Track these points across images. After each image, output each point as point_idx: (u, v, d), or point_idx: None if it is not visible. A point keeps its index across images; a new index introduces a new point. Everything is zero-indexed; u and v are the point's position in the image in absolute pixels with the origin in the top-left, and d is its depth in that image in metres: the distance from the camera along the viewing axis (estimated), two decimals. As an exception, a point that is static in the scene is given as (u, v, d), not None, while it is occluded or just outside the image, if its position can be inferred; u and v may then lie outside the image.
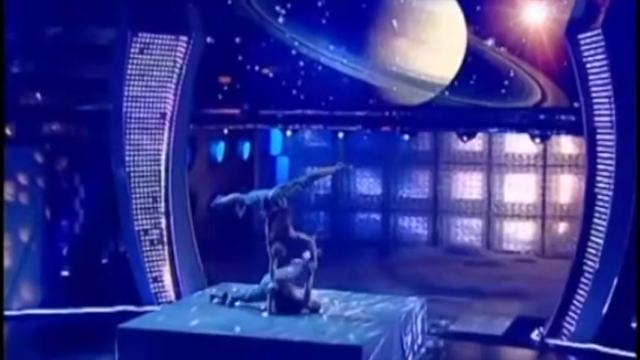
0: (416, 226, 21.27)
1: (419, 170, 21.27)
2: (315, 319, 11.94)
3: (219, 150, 20.23)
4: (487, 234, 20.93)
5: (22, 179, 16.04)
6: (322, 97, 17.08)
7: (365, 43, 16.75)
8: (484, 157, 20.96)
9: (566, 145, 20.39)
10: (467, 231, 21.03)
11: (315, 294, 12.96)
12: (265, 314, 12.08)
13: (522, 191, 20.90)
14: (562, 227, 20.62)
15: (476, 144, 20.78)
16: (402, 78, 16.81)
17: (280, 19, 16.81)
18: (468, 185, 21.10)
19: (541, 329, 14.21)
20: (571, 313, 13.97)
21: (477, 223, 21.04)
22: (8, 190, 15.86)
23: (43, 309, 15.79)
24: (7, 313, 15.34)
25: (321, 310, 12.29)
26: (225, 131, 18.67)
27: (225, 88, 17.34)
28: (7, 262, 15.86)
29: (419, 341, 12.90)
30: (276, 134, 20.68)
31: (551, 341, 13.97)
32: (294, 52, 16.94)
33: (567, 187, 20.60)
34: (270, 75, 17.18)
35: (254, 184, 20.20)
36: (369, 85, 17.01)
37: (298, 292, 12.11)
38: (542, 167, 20.74)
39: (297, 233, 12.29)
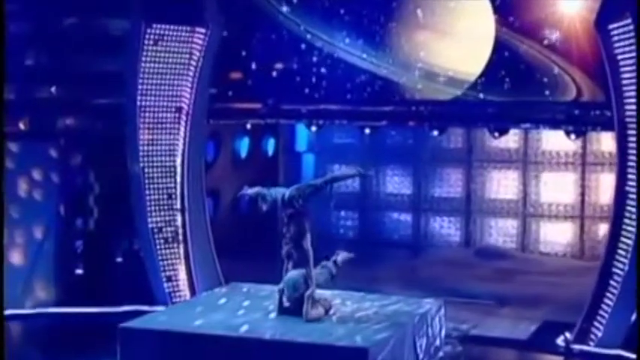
0: (448, 226, 21.09)
1: (451, 168, 21.06)
2: (324, 320, 11.88)
3: (244, 146, 20.26)
4: (522, 235, 20.65)
5: (36, 175, 16.25)
6: (344, 92, 16.94)
7: (386, 36, 16.59)
8: (520, 154, 20.68)
9: (607, 142, 19.96)
10: (501, 232, 20.80)
11: (327, 294, 12.95)
12: (273, 315, 12.05)
13: (560, 191, 20.57)
14: (602, 229, 20.18)
15: (511, 141, 20.52)
16: (427, 75, 16.59)
17: (297, 11, 16.74)
18: (503, 184, 20.85)
19: (567, 334, 14.03)
20: (599, 318, 13.80)
21: (511, 224, 20.78)
22: (22, 186, 16.10)
23: (56, 307, 16.01)
24: (20, 311, 15.64)
25: (332, 311, 12.22)
26: (248, 126, 18.64)
27: (243, 82, 17.28)
28: (20, 259, 16.11)
29: (436, 344, 12.78)
30: (301, 130, 20.61)
31: (577, 347, 13.79)
32: (312, 45, 16.83)
33: (608, 187, 20.07)
34: (286, 69, 17.09)
35: (279, 182, 20.18)
36: (392, 82, 16.83)
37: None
38: (581, 165, 20.38)
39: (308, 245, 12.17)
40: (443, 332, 13.15)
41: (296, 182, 20.02)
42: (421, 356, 12.18)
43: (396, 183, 21.34)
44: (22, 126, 16.14)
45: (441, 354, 12.97)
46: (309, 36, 16.79)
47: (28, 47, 15.87)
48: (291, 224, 12.00)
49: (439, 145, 20.65)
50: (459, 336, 14.09)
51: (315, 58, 16.79)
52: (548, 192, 20.64)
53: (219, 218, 20.10)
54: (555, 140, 20.16)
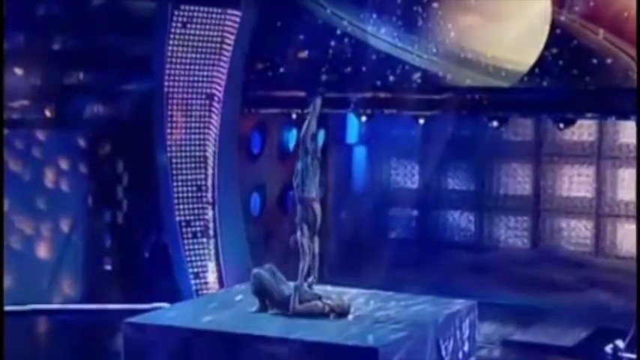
0: (514, 227, 21.00)
1: (518, 163, 20.90)
2: (340, 320, 12.14)
3: (292, 137, 20.48)
4: (596, 237, 20.40)
5: (64, 165, 16.88)
6: (392, 80, 17.07)
7: (430, 22, 16.62)
8: (594, 148, 20.42)
9: (693, 135, 19.66)
10: (573, 233, 20.63)
11: (352, 293, 13.24)
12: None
13: (639, 188, 20.31)
14: (687, 230, 19.90)
15: (585, 133, 20.34)
16: (477, 66, 16.57)
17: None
18: (576, 181, 20.66)
19: (618, 342, 13.99)
20: (654, 324, 13.70)
21: (585, 225, 20.59)
22: (49, 177, 16.78)
23: (82, 304, 16.64)
24: (46, 306, 16.34)
25: (351, 310, 12.47)
26: (294, 116, 18.93)
27: (286, 69, 17.54)
28: (47, 253, 16.79)
29: (465, 348, 12.90)
30: (352, 121, 20.75)
31: (628, 355, 13.74)
32: (349, 31, 16.99)
33: (694, 185, 19.86)
34: (329, 55, 17.26)
35: (328, 175, 20.40)
36: (435, 75, 16.87)
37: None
38: (663, 160, 20.11)
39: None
40: (475, 336, 13.26)
41: (347, 176, 20.28)
42: (447, 359, 12.34)
43: (457, 179, 21.32)
44: (48, 113, 16.79)
45: (472, 359, 13.08)
46: (346, 22, 16.97)
47: (54, 31, 16.49)
48: (298, 211, 12.26)
49: (505, 138, 20.54)
50: (498, 341, 14.19)
51: (355, 45, 16.96)
52: (625, 189, 20.34)
53: (265, 214, 20.44)
54: (634, 133, 19.89)
